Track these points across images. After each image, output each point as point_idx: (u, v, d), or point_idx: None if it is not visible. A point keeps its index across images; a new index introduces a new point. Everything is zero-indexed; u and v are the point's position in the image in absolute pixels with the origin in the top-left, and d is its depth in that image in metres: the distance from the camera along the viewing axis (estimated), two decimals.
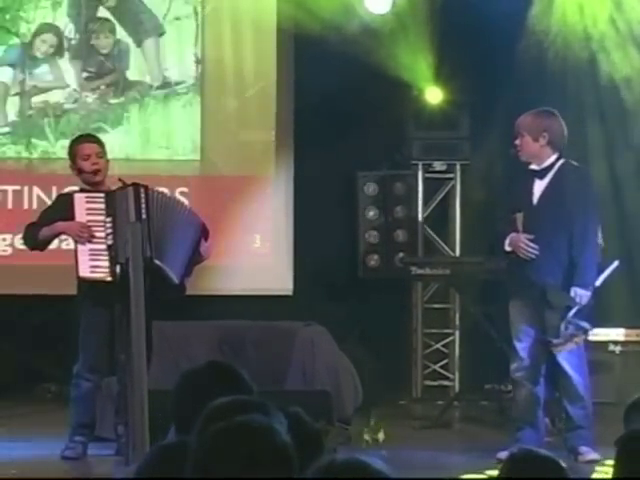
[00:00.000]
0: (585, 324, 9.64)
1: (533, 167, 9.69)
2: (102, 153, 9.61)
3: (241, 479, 3.53)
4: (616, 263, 9.77)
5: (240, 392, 4.53)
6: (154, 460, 4.13)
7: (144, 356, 8.88)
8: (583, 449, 9.38)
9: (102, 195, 9.39)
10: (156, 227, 9.35)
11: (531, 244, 9.49)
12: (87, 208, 9.37)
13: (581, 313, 9.58)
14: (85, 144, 9.66)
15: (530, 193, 9.63)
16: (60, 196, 9.85)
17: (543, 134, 9.56)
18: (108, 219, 9.31)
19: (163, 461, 4.07)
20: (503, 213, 10.00)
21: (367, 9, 12.15)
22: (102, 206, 9.37)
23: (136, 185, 9.43)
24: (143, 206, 9.36)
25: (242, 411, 3.83)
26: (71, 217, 9.39)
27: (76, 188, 9.62)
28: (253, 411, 3.85)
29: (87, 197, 9.42)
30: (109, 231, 9.33)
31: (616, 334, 11.20)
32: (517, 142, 9.65)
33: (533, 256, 9.50)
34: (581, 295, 9.43)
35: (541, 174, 9.60)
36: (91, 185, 9.53)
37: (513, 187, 10.06)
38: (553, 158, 9.65)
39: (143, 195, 9.40)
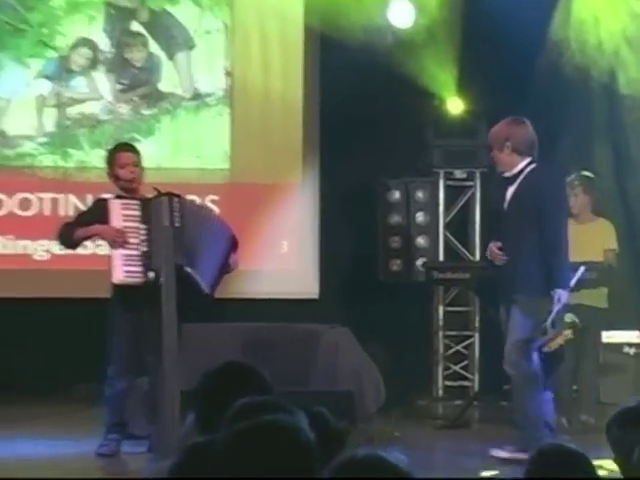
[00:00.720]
0: (571, 315, 10.02)
1: (506, 175, 9.73)
2: (138, 162, 9.66)
3: (266, 476, 3.52)
4: (582, 268, 9.82)
5: (260, 391, 4.57)
6: (186, 458, 4.10)
7: (175, 358, 8.98)
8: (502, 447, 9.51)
9: (137, 202, 9.45)
10: (189, 236, 9.43)
11: (498, 252, 9.57)
12: (123, 214, 9.41)
13: (563, 310, 9.66)
14: (123, 153, 9.70)
15: (503, 200, 9.67)
16: (97, 201, 9.84)
17: (506, 144, 9.57)
18: (142, 226, 9.38)
19: (195, 459, 4.05)
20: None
21: (391, 22, 12.31)
22: (137, 213, 9.43)
23: (170, 194, 9.56)
24: (177, 215, 9.43)
25: (266, 411, 3.83)
26: (106, 222, 9.42)
27: (111, 195, 9.66)
28: (277, 411, 3.85)
29: (123, 204, 9.44)
30: (143, 238, 9.39)
31: (630, 336, 11.14)
32: (492, 155, 9.84)
33: (501, 263, 9.53)
34: (561, 294, 9.39)
35: (512, 180, 9.64)
36: (127, 192, 9.56)
37: (494, 196, 10.15)
38: (523, 164, 9.64)
39: (177, 204, 9.48)
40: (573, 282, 9.70)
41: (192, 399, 4.92)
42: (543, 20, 12.17)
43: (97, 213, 9.51)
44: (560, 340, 9.79)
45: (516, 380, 9.62)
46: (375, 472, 3.40)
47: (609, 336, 10.93)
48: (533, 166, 9.64)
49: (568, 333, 9.82)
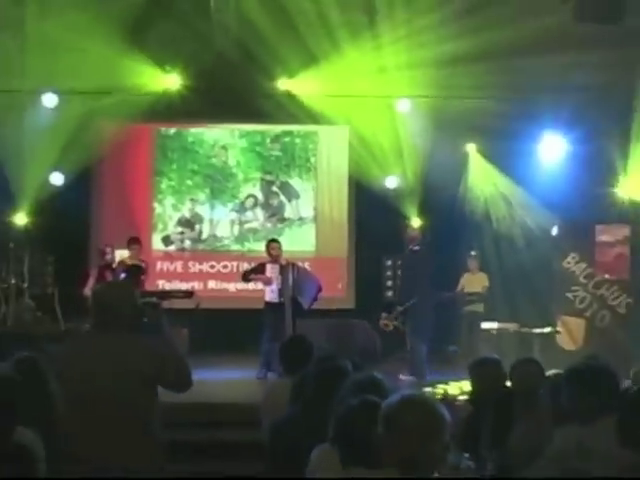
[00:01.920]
0: (394, 317, 9.47)
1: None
2: (280, 248, 9.65)
3: (329, 387, 3.43)
4: (414, 300, 9.10)
5: (309, 349, 4.46)
6: (300, 379, 3.90)
7: (291, 333, 8.59)
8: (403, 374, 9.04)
9: (278, 266, 9.51)
10: (300, 282, 9.47)
11: None
12: (271, 270, 9.48)
13: (401, 315, 9.28)
14: (273, 243, 9.73)
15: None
16: (259, 264, 9.70)
17: (405, 238, 9.34)
18: (279, 277, 9.47)
19: (302, 380, 3.85)
20: None
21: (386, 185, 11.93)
22: (277, 270, 9.47)
23: (293, 263, 9.70)
24: (295, 272, 9.52)
25: (331, 359, 3.79)
26: (263, 273, 9.49)
27: (266, 261, 9.62)
28: (335, 359, 3.79)
29: (271, 266, 9.50)
30: (279, 281, 9.45)
31: (492, 325, 10.50)
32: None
33: None
34: (397, 308, 9.32)
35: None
36: (274, 260, 9.54)
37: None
38: (408, 248, 9.38)
39: (295, 267, 9.61)
40: (409, 303, 9.11)
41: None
42: (457, 181, 11.74)
43: (260, 269, 9.59)
44: (382, 324, 9.64)
45: None
46: (368, 382, 3.25)
47: (484, 325, 10.54)
48: (411, 250, 9.39)
49: (387, 323, 9.51)
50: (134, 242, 10.34)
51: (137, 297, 3.77)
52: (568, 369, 3.51)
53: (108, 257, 10.27)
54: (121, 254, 10.57)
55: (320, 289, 9.59)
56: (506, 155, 11.17)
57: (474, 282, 11.15)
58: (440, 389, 7.77)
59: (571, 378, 3.42)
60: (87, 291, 9.77)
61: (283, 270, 9.50)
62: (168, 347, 3.63)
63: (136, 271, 9.66)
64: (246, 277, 9.73)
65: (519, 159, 11.21)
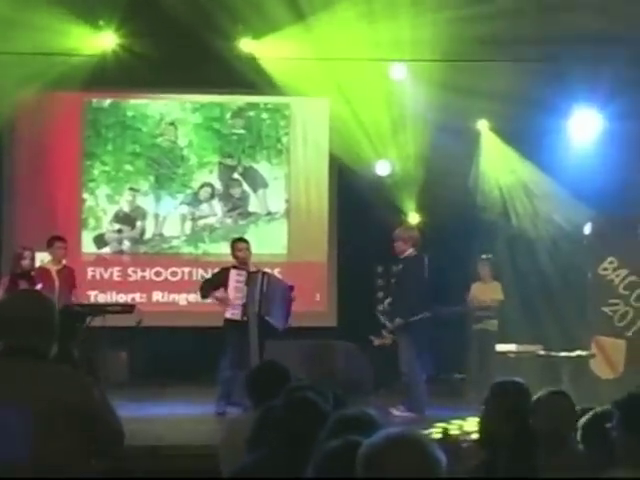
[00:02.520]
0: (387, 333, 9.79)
1: (400, 257, 9.67)
2: (248, 249, 9.71)
3: (301, 426, 3.56)
4: (427, 313, 9.34)
5: (282, 378, 4.55)
6: (264, 412, 4.02)
7: (257, 360, 8.86)
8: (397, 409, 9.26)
9: (245, 273, 9.57)
10: (269, 297, 9.50)
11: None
12: (236, 279, 9.52)
13: (396, 329, 9.49)
14: (240, 243, 9.79)
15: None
16: (223, 269, 9.74)
17: (400, 239, 9.57)
18: (245, 287, 9.51)
19: (266, 413, 3.96)
20: None
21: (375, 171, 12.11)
22: (243, 279, 9.52)
23: (263, 271, 9.77)
24: (265, 283, 9.54)
25: (306, 389, 3.85)
26: (226, 282, 9.52)
27: (231, 266, 9.62)
28: (311, 391, 3.84)
29: (237, 273, 9.58)
30: (244, 293, 9.46)
31: (510, 347, 10.49)
32: (394, 245, 9.65)
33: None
34: (397, 321, 9.38)
35: (400, 261, 9.75)
36: (241, 265, 9.62)
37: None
38: (408, 252, 9.57)
39: (266, 277, 9.65)
40: (415, 318, 9.30)
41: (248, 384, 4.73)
42: (466, 168, 11.83)
43: (222, 276, 9.62)
44: (378, 341, 9.96)
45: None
46: (357, 419, 3.28)
47: (499, 347, 10.56)
48: (409, 252, 9.58)
49: (385, 340, 9.83)
50: (57, 240, 10.28)
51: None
52: (621, 400, 3.48)
53: (25, 263, 10.13)
54: (42, 259, 10.54)
55: (292, 288, 9.66)
56: (527, 134, 11.24)
57: (487, 293, 11.23)
58: (441, 427, 7.77)
59: (623, 412, 3.41)
60: None
61: (251, 279, 9.57)
62: (102, 394, 3.41)
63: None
64: (205, 291, 9.73)
65: (544, 139, 11.28)
